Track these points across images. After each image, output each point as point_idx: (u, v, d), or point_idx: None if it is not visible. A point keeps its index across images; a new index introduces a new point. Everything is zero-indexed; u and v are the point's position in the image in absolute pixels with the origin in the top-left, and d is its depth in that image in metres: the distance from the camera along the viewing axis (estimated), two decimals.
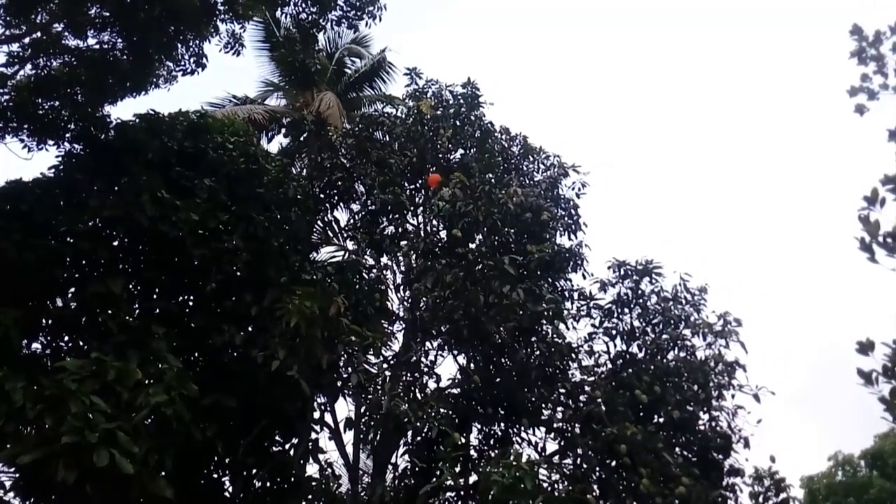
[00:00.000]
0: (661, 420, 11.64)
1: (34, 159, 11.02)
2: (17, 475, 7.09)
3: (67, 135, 10.73)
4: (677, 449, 11.52)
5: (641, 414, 11.50)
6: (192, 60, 11.50)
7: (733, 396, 12.38)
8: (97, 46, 11.01)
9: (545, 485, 10.11)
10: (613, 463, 10.83)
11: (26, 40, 10.85)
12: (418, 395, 11.84)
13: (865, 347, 4.76)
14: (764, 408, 12.24)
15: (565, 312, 12.32)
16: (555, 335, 11.85)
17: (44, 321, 9.08)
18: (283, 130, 15.65)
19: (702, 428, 11.96)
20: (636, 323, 12.73)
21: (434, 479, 10.61)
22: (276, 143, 16.28)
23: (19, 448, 6.43)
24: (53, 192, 9.55)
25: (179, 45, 11.21)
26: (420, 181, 13.86)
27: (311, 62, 13.69)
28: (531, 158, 14.91)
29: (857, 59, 6.04)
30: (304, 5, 11.81)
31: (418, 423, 10.25)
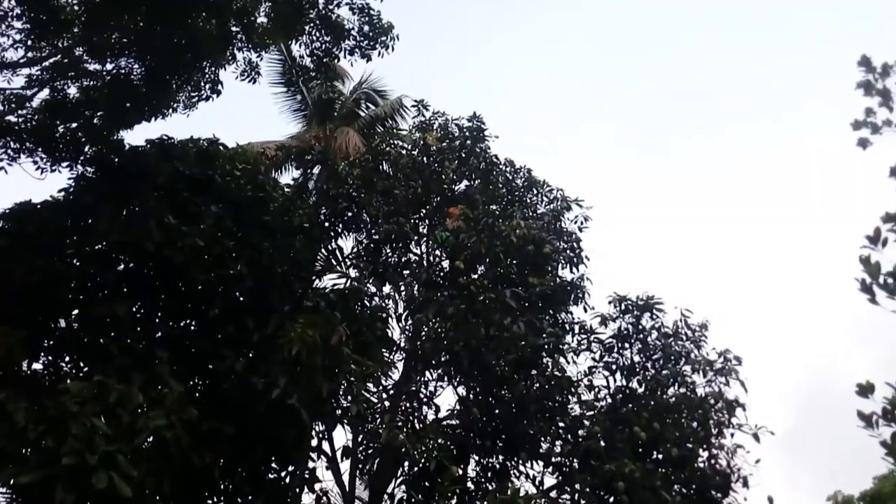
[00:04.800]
0: (660, 457, 11.56)
1: (47, 180, 11.20)
2: (16, 496, 7.09)
3: (82, 158, 10.91)
4: (676, 487, 11.41)
5: (640, 450, 11.42)
6: (207, 87, 11.74)
7: (732, 435, 12.34)
8: (115, 71, 11.25)
9: None
10: (612, 500, 10.73)
11: (46, 63, 11.09)
12: (417, 425, 11.83)
13: (865, 390, 4.73)
14: (762, 446, 12.17)
15: (566, 346, 12.33)
16: (555, 369, 11.85)
17: (46, 342, 9.14)
18: (295, 163, 15.92)
19: (701, 466, 11.85)
20: (636, 358, 12.70)
21: None
22: (288, 176, 16.64)
23: (19, 469, 6.45)
24: (62, 214, 9.68)
25: (196, 72, 11.44)
26: (424, 211, 13.99)
27: (328, 96, 13.98)
28: (535, 191, 15.05)
29: (864, 90, 5.95)
30: (318, 34, 12.06)
31: (416, 455, 10.22)
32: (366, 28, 12.22)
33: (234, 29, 11.54)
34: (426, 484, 10.80)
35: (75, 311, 9.26)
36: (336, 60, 12.93)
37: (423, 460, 10.27)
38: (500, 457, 11.92)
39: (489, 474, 11.93)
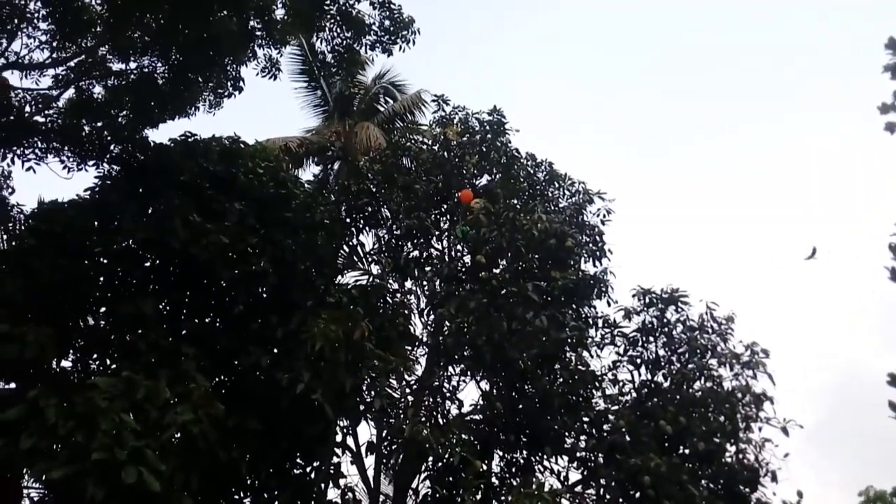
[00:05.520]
0: (687, 451, 11.45)
1: (69, 179, 11.34)
2: (47, 491, 7.20)
3: (108, 157, 11.04)
4: (703, 481, 11.31)
5: (666, 445, 11.33)
6: (229, 84, 11.82)
7: (760, 429, 12.20)
8: (139, 70, 11.37)
9: None
10: (637, 494, 10.65)
11: (71, 63, 11.23)
12: (440, 420, 11.83)
13: None
14: (791, 440, 12.02)
15: (589, 340, 12.25)
16: (578, 363, 11.78)
17: (75, 340, 9.28)
18: (316, 159, 15.98)
19: (728, 460, 11.73)
20: (661, 352, 12.58)
21: None
22: (309, 172, 16.73)
23: (50, 464, 6.55)
24: (88, 213, 9.80)
25: (217, 69, 11.52)
26: (445, 206, 13.96)
27: (349, 91, 13.99)
28: (556, 185, 14.94)
29: (891, 73, 5.79)
30: (339, 30, 12.05)
31: (440, 449, 10.22)
32: (387, 23, 12.18)
33: (254, 25, 11.59)
34: (450, 479, 10.81)
35: (103, 309, 9.39)
36: (357, 56, 12.93)
37: (446, 455, 10.25)
38: (525, 452, 11.90)
39: (513, 469, 11.91)
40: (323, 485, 10.05)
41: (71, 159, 11.16)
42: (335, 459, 10.25)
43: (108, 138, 11.26)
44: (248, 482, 9.38)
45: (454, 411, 12.16)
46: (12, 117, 10.88)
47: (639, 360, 12.56)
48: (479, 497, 10.64)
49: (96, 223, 9.70)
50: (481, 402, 12.02)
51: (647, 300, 12.72)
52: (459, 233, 12.80)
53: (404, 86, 17.83)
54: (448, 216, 13.96)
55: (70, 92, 11.55)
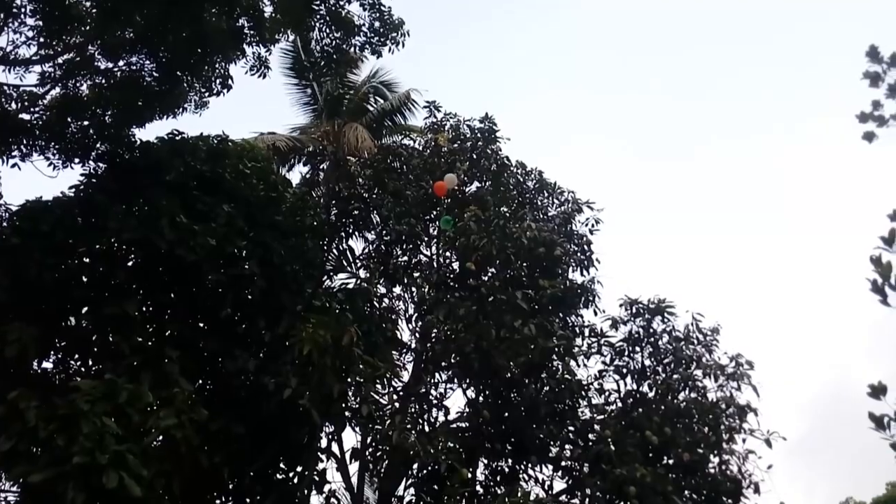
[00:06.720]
0: (671, 462, 11.47)
1: (58, 177, 11.18)
2: (25, 495, 7.05)
3: (93, 155, 10.88)
4: (687, 492, 11.32)
5: (651, 455, 11.34)
6: (218, 82, 11.71)
7: (744, 440, 12.24)
8: (127, 68, 11.23)
9: None
10: None
11: (59, 60, 11.07)
12: (426, 427, 11.76)
13: (878, 391, 4.64)
14: (774, 452, 12.06)
15: (576, 349, 12.24)
16: (565, 372, 11.76)
17: (57, 340, 9.11)
18: (304, 160, 15.85)
19: (712, 471, 11.76)
20: (647, 362, 12.59)
21: None
22: (297, 173, 16.57)
23: (29, 467, 6.42)
24: (73, 212, 9.64)
25: (206, 67, 11.40)
26: (436, 212, 13.93)
27: (339, 91, 13.89)
28: (546, 193, 14.96)
29: (871, 81, 5.79)
30: (328, 30, 11.97)
31: (426, 457, 10.15)
32: (376, 24, 12.11)
33: (243, 23, 11.49)
34: (435, 487, 10.74)
35: (85, 310, 9.21)
36: (347, 56, 12.85)
37: (432, 462, 10.19)
38: (510, 460, 11.86)
39: (498, 478, 11.86)
40: (306, 490, 9.93)
41: (56, 157, 11.01)
42: (320, 465, 10.15)
43: (94, 136, 11.11)
44: (231, 487, 9.26)
45: (440, 418, 12.11)
46: None
47: (625, 370, 12.56)
48: None
49: (81, 222, 9.55)
50: (468, 409, 11.98)
51: (634, 310, 12.73)
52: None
53: (394, 85, 17.69)
54: (438, 223, 13.91)
55: (56, 90, 11.38)
